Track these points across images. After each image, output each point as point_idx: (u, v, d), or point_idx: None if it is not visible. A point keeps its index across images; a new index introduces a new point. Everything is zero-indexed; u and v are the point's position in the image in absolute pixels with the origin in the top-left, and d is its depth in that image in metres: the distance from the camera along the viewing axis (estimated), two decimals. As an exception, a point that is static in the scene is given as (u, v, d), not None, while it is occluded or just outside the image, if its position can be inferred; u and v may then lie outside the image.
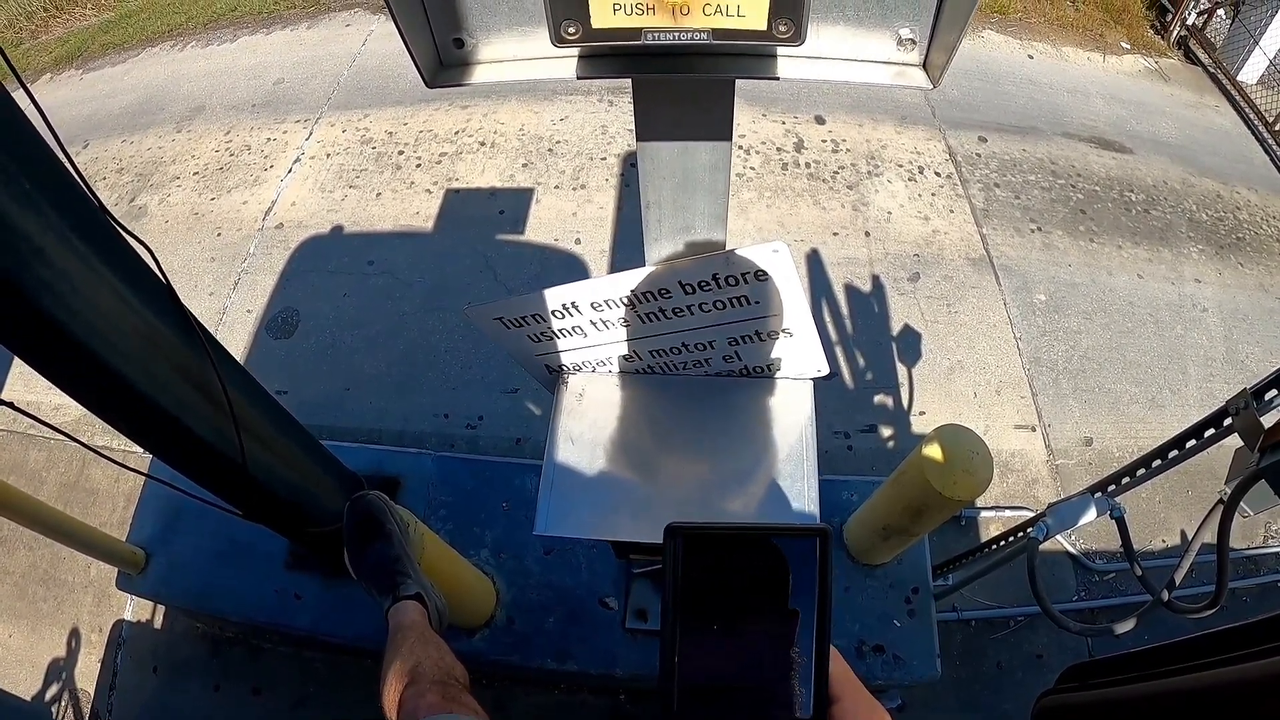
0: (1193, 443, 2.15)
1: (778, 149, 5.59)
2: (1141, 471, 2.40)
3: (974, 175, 5.80)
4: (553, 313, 1.56)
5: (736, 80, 1.17)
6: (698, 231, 1.45)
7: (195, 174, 6.06)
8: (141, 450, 2.12)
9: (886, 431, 4.39)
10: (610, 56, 1.03)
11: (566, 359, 1.71)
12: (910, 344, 4.70)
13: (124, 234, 1.39)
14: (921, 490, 2.27)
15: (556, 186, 5.56)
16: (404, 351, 4.75)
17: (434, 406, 4.52)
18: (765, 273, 1.39)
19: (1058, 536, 3.96)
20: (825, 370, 1.69)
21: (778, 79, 1.07)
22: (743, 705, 0.58)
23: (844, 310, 4.78)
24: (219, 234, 5.53)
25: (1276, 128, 8.02)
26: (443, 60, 1.09)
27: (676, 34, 0.87)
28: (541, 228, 5.33)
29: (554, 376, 1.79)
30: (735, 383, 1.73)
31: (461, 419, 4.46)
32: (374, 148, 5.98)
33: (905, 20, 1.04)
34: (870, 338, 4.71)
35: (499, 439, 4.38)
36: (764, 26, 0.87)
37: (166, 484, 1.92)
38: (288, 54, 7.40)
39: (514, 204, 5.45)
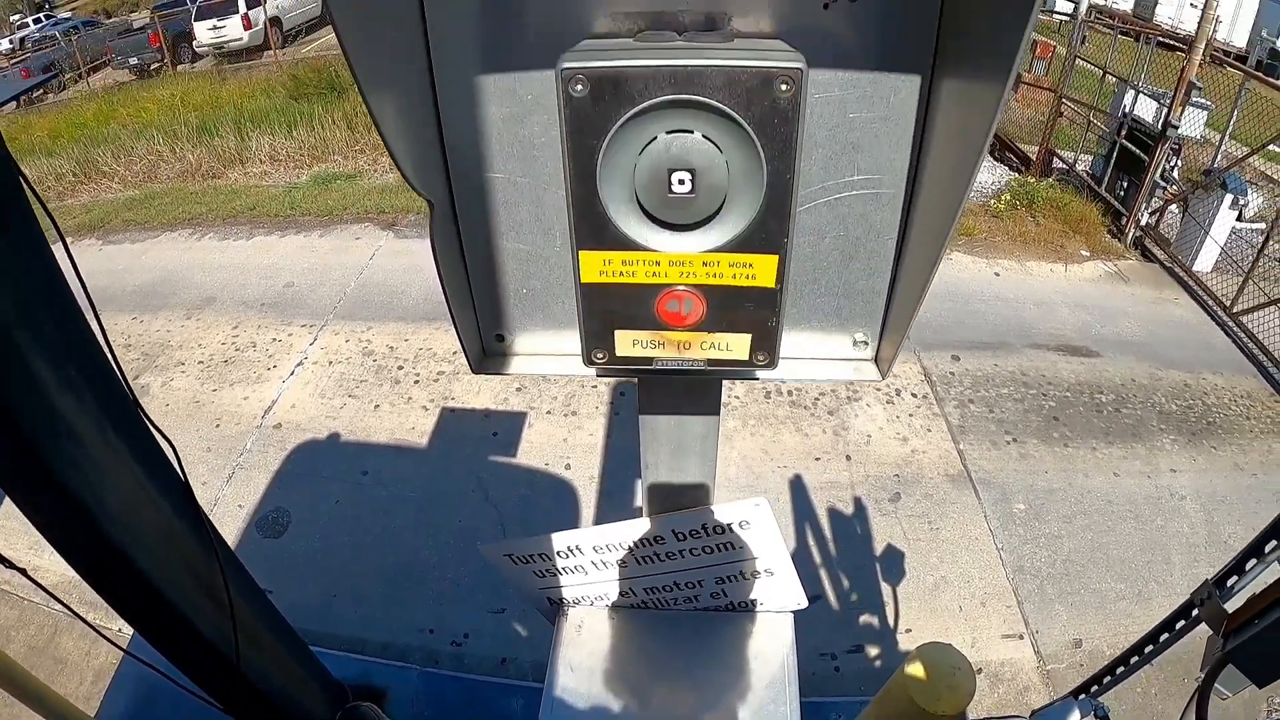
0: (1166, 636, 2.25)
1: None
2: (1121, 669, 2.46)
3: (949, 394, 6.18)
4: (558, 553, 1.75)
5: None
6: (690, 489, 1.70)
7: (200, 363, 6.36)
8: (118, 626, 2.13)
9: (873, 651, 4.58)
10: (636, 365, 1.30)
11: (568, 593, 1.87)
12: (894, 563, 4.92)
13: (151, 428, 1.46)
14: (906, 708, 2.37)
15: (549, 412, 5.85)
16: (393, 563, 4.84)
17: (420, 620, 4.60)
18: (748, 522, 1.61)
19: None
20: (804, 604, 1.86)
21: (757, 379, 1.34)
22: None
23: (828, 533, 5.02)
24: (218, 425, 5.73)
25: (1234, 310, 8.41)
26: (486, 351, 1.36)
27: (680, 362, 1.17)
28: (533, 451, 5.52)
29: (554, 608, 1.94)
30: (722, 616, 1.90)
31: (447, 635, 4.54)
32: (375, 360, 6.29)
33: (859, 327, 1.32)
34: (854, 559, 4.95)
35: (484, 658, 4.41)
36: (746, 358, 1.15)
37: (149, 665, 1.87)
38: (299, 259, 7.86)
39: (507, 426, 5.70)
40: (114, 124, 13.39)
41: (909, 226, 1.19)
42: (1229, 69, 10.86)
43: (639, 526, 1.66)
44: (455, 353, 6.33)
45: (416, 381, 6.04)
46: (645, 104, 0.89)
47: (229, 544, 4.78)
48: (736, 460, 5.32)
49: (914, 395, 6.13)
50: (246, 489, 5.24)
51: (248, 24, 21.03)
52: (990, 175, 11.48)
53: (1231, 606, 1.87)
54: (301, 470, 5.39)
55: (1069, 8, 14.95)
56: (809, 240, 1.21)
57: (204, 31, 21.12)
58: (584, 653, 1.85)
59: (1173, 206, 10.04)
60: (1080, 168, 11.05)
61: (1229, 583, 1.98)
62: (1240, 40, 38.32)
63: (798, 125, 0.91)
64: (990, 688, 4.44)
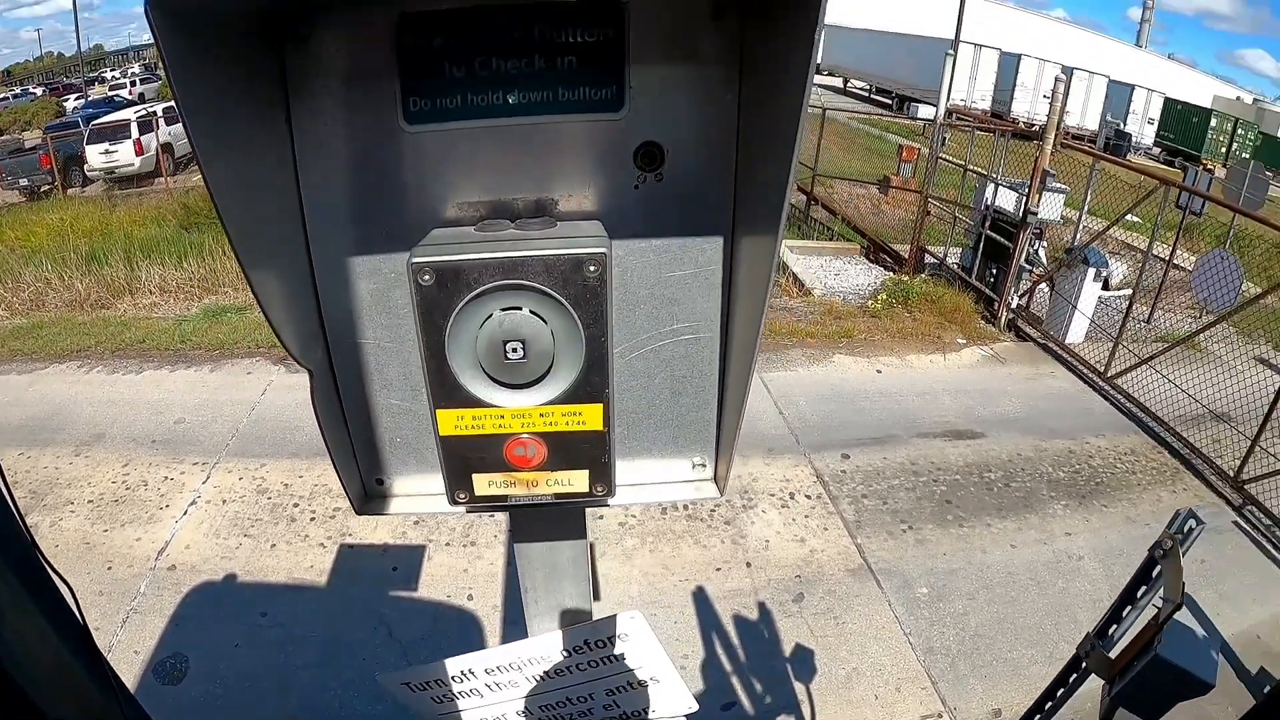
0: (1061, 691, 2.36)
1: None
2: None
3: (842, 491, 6.44)
4: (452, 678, 1.79)
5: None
6: (569, 607, 1.81)
7: (90, 502, 6.15)
8: None
9: None
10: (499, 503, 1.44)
11: (465, 717, 1.89)
12: (804, 661, 5.03)
13: (50, 570, 1.49)
14: None
15: (447, 543, 5.81)
16: (297, 705, 4.69)
17: None
18: (627, 634, 1.69)
19: None
20: (693, 707, 1.88)
21: (609, 506, 1.47)
22: None
23: (735, 641, 5.11)
24: (109, 568, 5.54)
25: (1109, 375, 8.94)
26: (368, 493, 1.51)
27: (531, 498, 1.35)
28: (434, 584, 5.48)
29: None
30: None
31: None
32: (269, 498, 6.15)
33: (696, 452, 1.51)
34: (765, 662, 5.03)
35: None
36: (587, 490, 1.33)
37: None
38: (190, 394, 7.72)
39: (406, 560, 5.64)
40: (1, 247, 13.17)
41: (727, 362, 1.40)
42: (1078, 153, 11.86)
43: (526, 647, 1.74)
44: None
45: (313, 519, 5.93)
46: (479, 290, 1.10)
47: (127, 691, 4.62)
48: (639, 578, 5.39)
49: (808, 497, 6.34)
50: (142, 634, 5.04)
51: (140, 149, 20.94)
52: (866, 277, 12.18)
53: (1115, 653, 1.97)
54: (198, 614, 5.23)
55: (931, 112, 16.25)
56: (641, 382, 1.42)
57: (96, 155, 20.98)
58: None
59: (1041, 286, 10.77)
60: (951, 261, 11.83)
61: (1110, 631, 2.08)
62: (1093, 124, 41.65)
63: (607, 298, 1.13)
64: None
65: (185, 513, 6.11)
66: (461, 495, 1.31)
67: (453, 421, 1.23)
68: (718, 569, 5.55)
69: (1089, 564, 6.03)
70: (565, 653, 1.74)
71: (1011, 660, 5.17)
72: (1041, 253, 10.74)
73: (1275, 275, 9.08)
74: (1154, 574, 1.95)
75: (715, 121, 1.24)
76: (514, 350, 1.15)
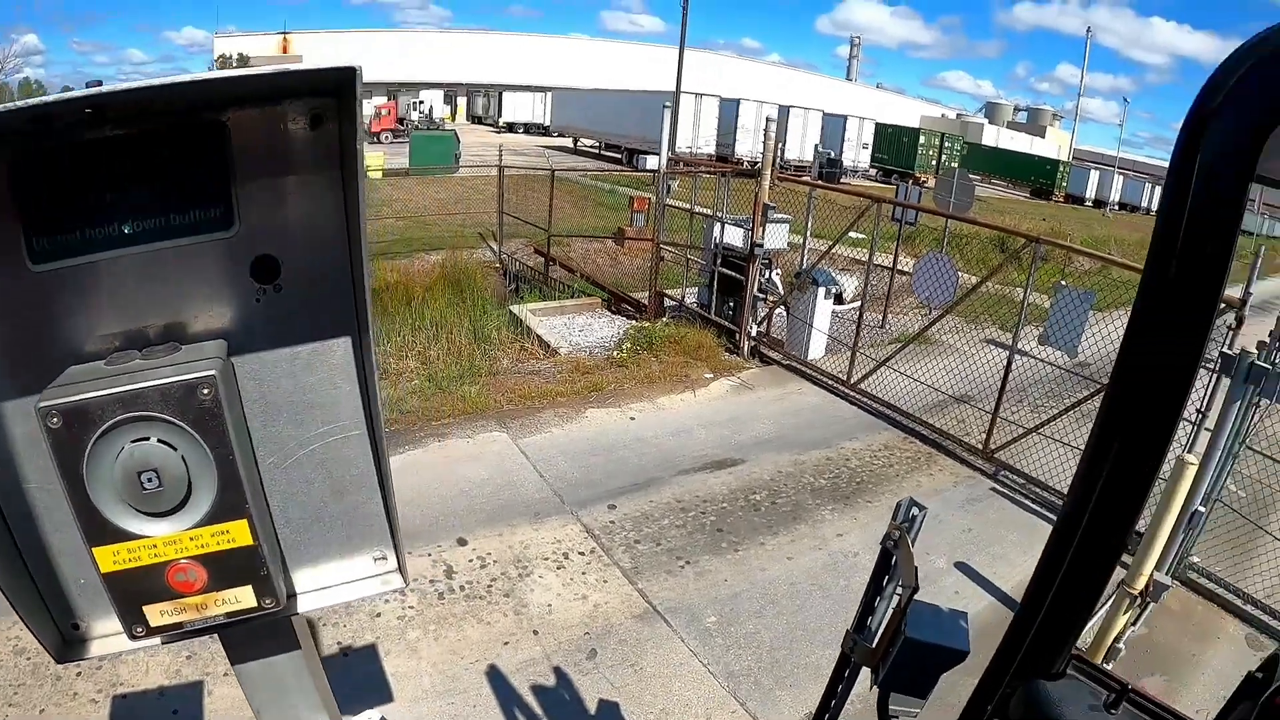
0: (840, 687, 2.61)
1: (430, 581, 6.23)
2: None
3: (614, 541, 6.83)
4: None
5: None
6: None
7: None
8: None
9: None
10: (188, 631, 1.51)
11: None
12: (610, 715, 5.21)
13: None
14: None
15: (225, 674, 5.35)
16: None
17: None
18: None
19: None
20: None
21: (299, 613, 1.63)
22: None
23: (538, 710, 5.25)
24: None
25: (851, 382, 10.17)
26: (66, 639, 1.55)
27: (206, 621, 1.45)
28: (220, 718, 5.26)
29: None
30: None
31: None
32: (28, 658, 5.32)
33: (374, 546, 1.66)
34: None
35: None
36: (256, 604, 1.45)
37: None
38: None
39: (186, 700, 5.27)
40: None
41: (380, 453, 1.57)
42: (795, 185, 13.40)
43: None
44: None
45: (79, 673, 5.51)
46: (104, 426, 1.21)
47: None
48: (428, 670, 5.34)
49: (581, 554, 6.61)
50: None
51: None
52: (610, 329, 12.91)
53: (875, 643, 2.15)
54: None
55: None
56: (301, 488, 1.54)
57: None
58: None
59: (778, 311, 12.02)
60: (689, 301, 12.78)
61: (868, 623, 2.23)
62: (811, 155, 46.97)
63: (224, 418, 1.25)
64: None
65: (-61, 700, 5.51)
66: (138, 629, 1.41)
67: (110, 558, 1.31)
68: (506, 643, 5.66)
69: (865, 558, 6.75)
70: None
71: (811, 664, 5.63)
72: (776, 279, 11.89)
73: (992, 265, 10.71)
74: (892, 564, 2.43)
75: (325, 225, 1.39)
76: (149, 480, 1.25)
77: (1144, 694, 1.35)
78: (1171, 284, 0.99)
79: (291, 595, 1.64)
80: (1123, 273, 9.03)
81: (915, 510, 2.26)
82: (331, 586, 1.66)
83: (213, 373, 1.24)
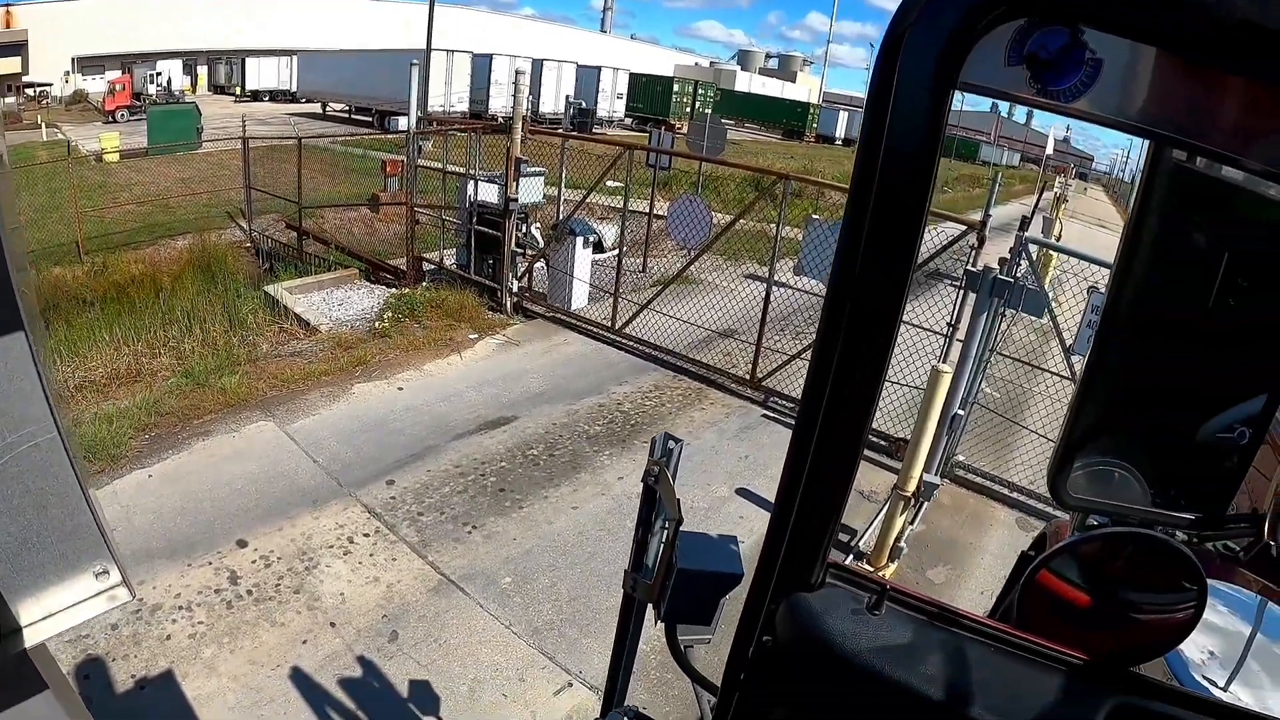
0: (631, 626, 2.55)
1: (215, 591, 5.87)
2: (619, 673, 2.76)
3: (398, 518, 6.66)
4: None
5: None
6: None
7: None
8: None
9: None
10: None
11: None
12: (424, 693, 5.11)
13: None
14: None
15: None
16: None
17: None
18: None
19: None
20: None
21: (25, 648, 1.41)
22: None
23: (350, 705, 5.06)
24: None
25: (616, 328, 10.35)
26: None
27: None
28: None
29: None
30: None
31: None
32: None
33: (93, 560, 1.44)
34: (387, 713, 5.08)
35: None
36: None
37: None
38: None
39: None
40: None
41: (73, 458, 1.36)
42: (547, 137, 13.29)
43: None
44: None
45: None
46: None
47: None
48: (231, 686, 5.03)
49: (366, 535, 6.42)
50: None
51: None
52: (370, 299, 12.50)
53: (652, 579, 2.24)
54: None
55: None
56: (2, 508, 1.35)
57: None
58: None
59: (538, 265, 12.02)
60: (448, 263, 12.52)
61: (644, 560, 2.36)
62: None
63: None
64: None
65: None
66: None
67: None
68: (304, 641, 5.42)
69: (648, 498, 7.02)
70: None
71: (611, 608, 5.67)
72: (536, 233, 11.85)
73: (746, 203, 11.07)
74: (656, 498, 2.22)
75: None
76: None
77: (903, 590, 1.38)
78: (883, 196, 1.01)
79: (15, 630, 1.44)
80: None
81: (671, 444, 2.32)
82: (57, 613, 1.47)
83: None
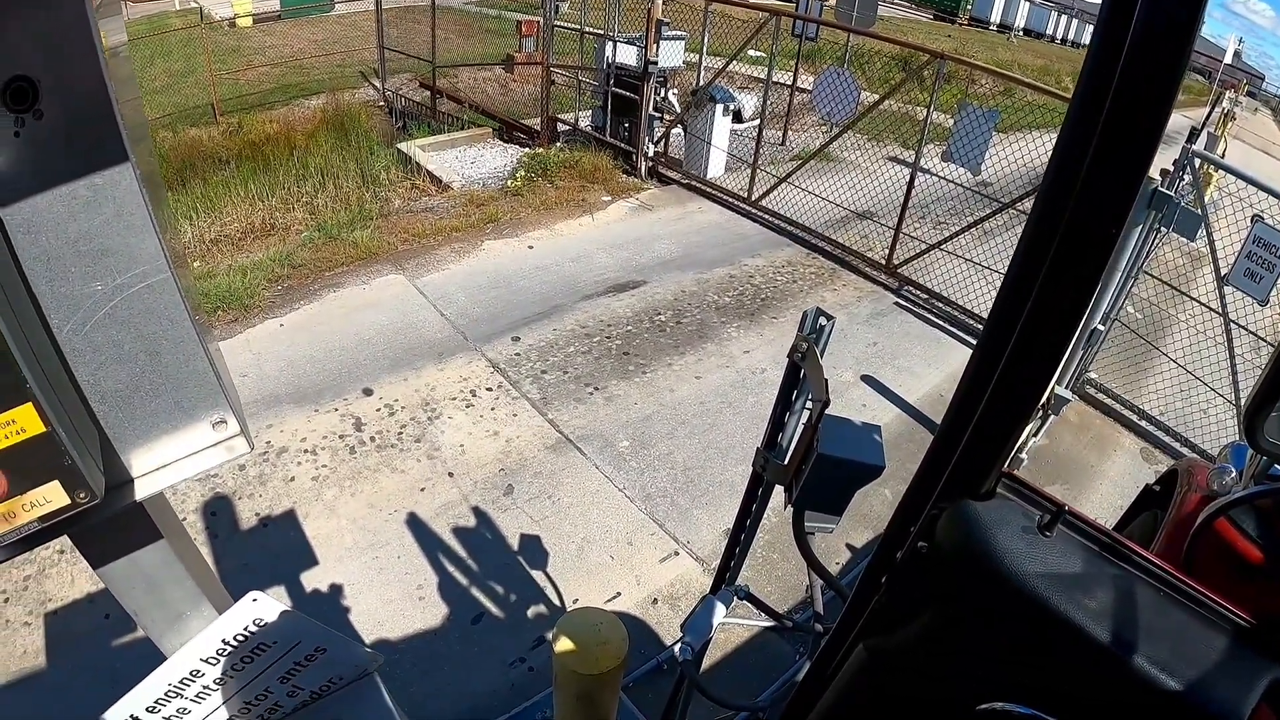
0: (755, 506, 2.52)
1: (340, 436, 5.97)
2: (737, 550, 2.74)
3: (521, 374, 6.59)
4: None
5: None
6: (189, 614, 1.69)
7: None
8: None
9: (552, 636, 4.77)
10: (11, 545, 1.24)
11: None
12: (533, 548, 5.16)
13: None
14: (576, 679, 2.50)
15: None
16: None
17: None
18: (260, 618, 1.59)
19: (745, 622, 4.55)
20: (380, 660, 1.89)
21: (138, 500, 1.36)
22: None
23: (461, 552, 5.17)
24: None
25: (753, 199, 9.88)
26: None
27: (18, 531, 1.16)
28: None
29: None
30: (315, 708, 1.90)
31: None
32: None
33: (210, 410, 1.38)
34: (497, 562, 5.11)
35: None
36: (69, 501, 1.17)
37: None
38: None
39: (116, 604, 5.28)
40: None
41: (188, 301, 1.29)
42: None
43: (170, 670, 1.62)
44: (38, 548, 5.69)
45: (6, 599, 5.38)
46: None
47: None
48: (348, 527, 5.22)
49: (489, 389, 6.39)
50: None
51: None
52: (503, 158, 12.34)
53: (788, 460, 2.09)
54: None
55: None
56: (110, 355, 1.27)
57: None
58: None
59: (675, 130, 11.54)
60: (583, 124, 12.18)
61: (778, 439, 2.24)
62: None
63: None
64: (672, 610, 4.79)
65: None
66: None
67: None
68: (422, 489, 5.50)
69: (772, 374, 6.67)
70: (211, 661, 1.64)
71: (726, 481, 5.63)
72: (673, 98, 11.38)
73: (894, 82, 10.32)
74: (800, 377, 2.11)
75: (71, 33, 1.11)
76: None
77: (1080, 516, 1.26)
78: (1118, 100, 0.87)
79: (127, 482, 1.36)
80: (1027, 97, 8.80)
81: (823, 320, 2.03)
82: (170, 464, 1.38)
83: None
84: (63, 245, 1.18)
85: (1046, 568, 1.18)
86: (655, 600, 4.92)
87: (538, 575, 5.06)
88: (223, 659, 1.65)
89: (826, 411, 1.82)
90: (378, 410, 6.19)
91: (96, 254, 1.21)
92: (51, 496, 1.17)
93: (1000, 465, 1.23)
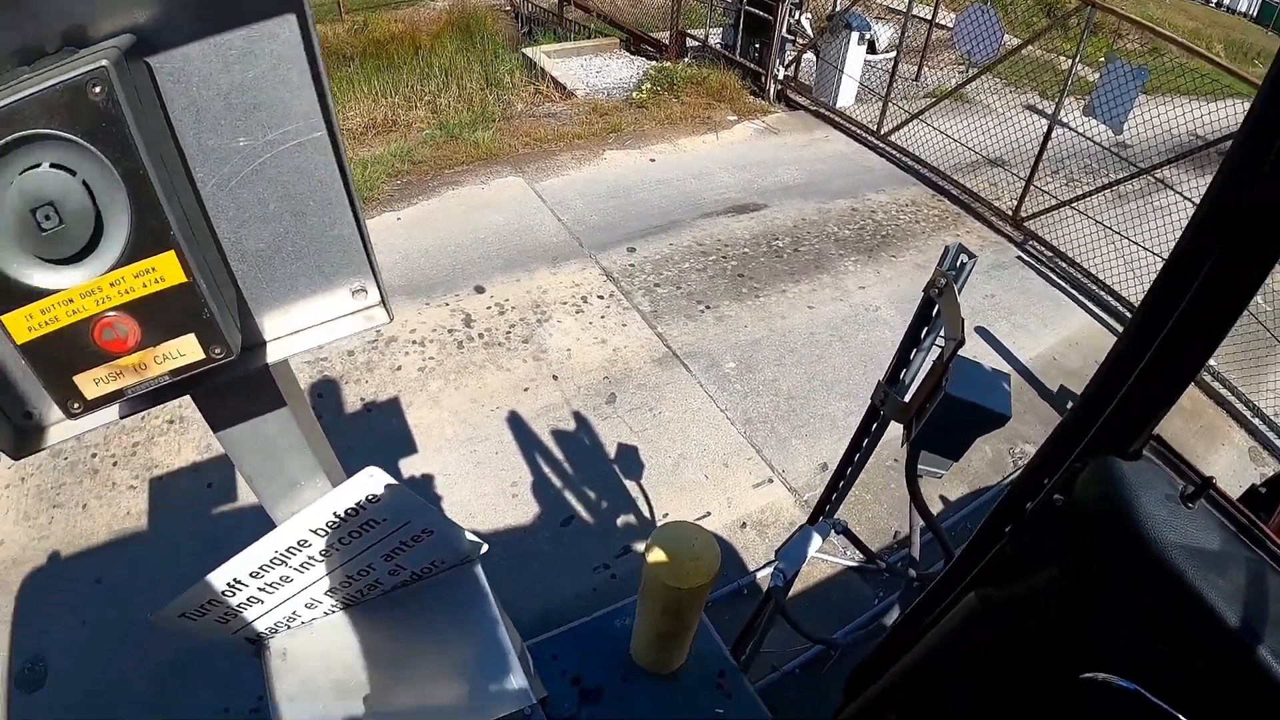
0: (866, 441, 2.53)
1: (449, 331, 6.03)
2: (841, 483, 2.76)
3: (634, 285, 6.53)
4: (222, 593, 1.69)
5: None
6: (303, 483, 1.69)
7: None
8: None
9: (639, 546, 4.72)
10: (136, 399, 1.25)
11: (259, 625, 1.83)
12: (630, 458, 5.17)
13: None
14: (664, 592, 2.49)
15: None
16: (163, 661, 4.54)
17: (212, 700, 4.37)
18: (374, 494, 1.58)
19: (833, 559, 4.49)
20: (483, 547, 1.87)
21: (270, 363, 1.36)
22: None
23: (559, 455, 5.21)
24: None
25: (882, 133, 9.50)
26: (21, 432, 1.29)
27: (147, 384, 1.16)
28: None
29: (257, 646, 1.91)
30: (414, 589, 1.92)
31: (244, 706, 4.32)
32: (65, 458, 5.76)
33: (350, 276, 1.36)
34: (593, 469, 5.14)
35: None
36: (204, 356, 1.16)
37: None
38: None
39: (220, 472, 5.38)
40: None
41: (343, 164, 1.24)
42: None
43: (278, 538, 1.63)
44: (143, 417, 5.96)
45: (115, 463, 5.61)
46: None
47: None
48: (450, 419, 5.33)
49: (600, 297, 6.37)
50: None
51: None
52: (629, 70, 12.07)
53: (909, 397, 2.07)
54: (36, 608, 4.91)
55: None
56: (255, 213, 1.24)
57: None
58: (296, 679, 1.83)
59: (807, 55, 11.12)
60: (713, 41, 11.84)
61: (901, 376, 2.21)
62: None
63: (128, 122, 0.95)
64: (759, 536, 4.78)
65: (-13, 507, 5.64)
66: (75, 405, 1.15)
67: (23, 324, 1.05)
68: (525, 389, 5.54)
69: (886, 313, 6.50)
70: (320, 532, 1.64)
71: (827, 415, 5.53)
72: (806, 23, 10.98)
73: (1038, 28, 9.75)
74: (934, 314, 2.05)
75: None
76: (47, 218, 0.97)
77: (1222, 493, 1.22)
78: None
79: (260, 344, 1.35)
80: (1178, 59, 8.18)
81: (965, 258, 1.94)
82: (305, 329, 1.36)
83: (103, 64, 0.91)
84: (213, 97, 1.13)
85: (1186, 539, 1.15)
86: (744, 524, 4.88)
87: (631, 486, 5.06)
88: (331, 531, 1.64)
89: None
90: (488, 308, 6.21)
91: (248, 108, 1.16)
92: (185, 350, 1.15)
93: (1153, 428, 1.21)
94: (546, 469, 5.14)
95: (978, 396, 1.77)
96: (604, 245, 7.03)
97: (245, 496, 5.31)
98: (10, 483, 5.78)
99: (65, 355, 1.10)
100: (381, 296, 1.38)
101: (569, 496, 5.00)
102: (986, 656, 1.42)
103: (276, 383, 1.47)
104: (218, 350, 1.16)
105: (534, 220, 7.38)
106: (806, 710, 4.08)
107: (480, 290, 6.40)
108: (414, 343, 5.86)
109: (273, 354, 1.35)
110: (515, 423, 5.36)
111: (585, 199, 7.74)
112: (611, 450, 5.23)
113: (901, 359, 2.22)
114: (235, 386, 1.41)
